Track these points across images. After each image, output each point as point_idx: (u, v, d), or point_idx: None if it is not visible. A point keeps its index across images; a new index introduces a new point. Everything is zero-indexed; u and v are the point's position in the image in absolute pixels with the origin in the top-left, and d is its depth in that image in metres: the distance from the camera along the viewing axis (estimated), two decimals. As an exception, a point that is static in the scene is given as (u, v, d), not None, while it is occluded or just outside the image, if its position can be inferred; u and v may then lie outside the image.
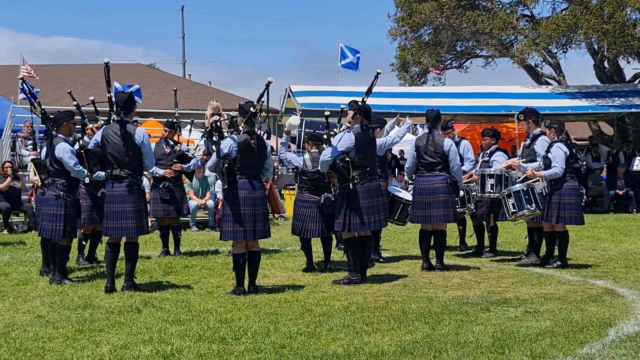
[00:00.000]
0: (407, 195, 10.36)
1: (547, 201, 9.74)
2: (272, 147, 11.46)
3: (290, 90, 21.78)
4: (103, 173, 8.51)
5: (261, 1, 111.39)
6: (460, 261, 10.61)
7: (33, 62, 23.77)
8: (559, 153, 9.63)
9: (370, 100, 8.80)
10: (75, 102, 8.83)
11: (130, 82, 23.12)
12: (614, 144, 24.00)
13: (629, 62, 25.83)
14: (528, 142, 10.27)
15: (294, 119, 10.23)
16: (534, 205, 9.63)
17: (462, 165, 10.36)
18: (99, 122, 9.39)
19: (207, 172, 14.52)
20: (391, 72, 28.68)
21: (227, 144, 8.04)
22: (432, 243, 9.88)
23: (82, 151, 8.31)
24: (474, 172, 10.64)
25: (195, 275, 9.34)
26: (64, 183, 8.70)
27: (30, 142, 18.49)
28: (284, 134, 10.12)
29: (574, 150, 9.89)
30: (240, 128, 8.12)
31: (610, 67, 26.02)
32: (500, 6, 25.39)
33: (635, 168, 19.63)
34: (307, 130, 16.87)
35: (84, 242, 10.44)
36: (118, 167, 8.13)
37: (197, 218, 15.39)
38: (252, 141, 8.03)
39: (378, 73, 8.89)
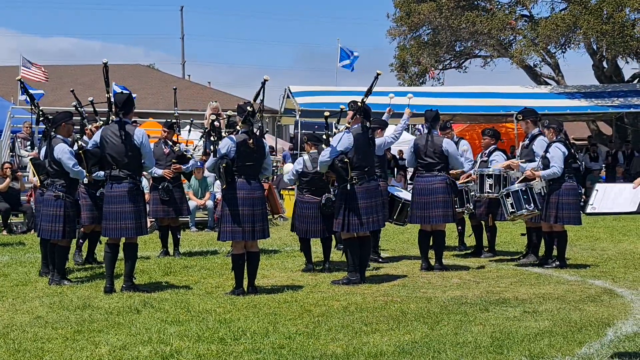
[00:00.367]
0: (406, 195, 10.37)
1: (545, 201, 9.73)
2: (271, 147, 11.50)
3: (290, 90, 21.77)
4: (103, 172, 8.50)
5: (261, 1, 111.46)
6: (459, 261, 10.61)
7: (33, 62, 23.65)
8: (557, 153, 9.63)
9: (369, 100, 8.80)
10: (74, 103, 8.83)
11: (130, 83, 23.16)
12: (613, 144, 24.03)
13: (627, 62, 25.91)
14: (526, 142, 10.27)
15: (288, 167, 10.62)
16: (532, 205, 9.63)
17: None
18: (97, 123, 9.39)
19: (207, 173, 14.51)
20: (390, 72, 28.76)
21: (225, 144, 8.03)
22: (431, 243, 9.89)
23: (80, 152, 8.29)
24: (473, 172, 10.65)
25: (195, 276, 9.34)
26: (63, 184, 8.69)
27: (29, 142, 18.54)
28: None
29: (572, 150, 9.89)
30: (238, 128, 8.11)
31: (609, 67, 26.04)
32: (499, 6, 25.41)
33: None
34: (303, 131, 16.87)
35: (81, 241, 10.43)
36: (117, 168, 8.11)
37: (196, 218, 15.38)
38: (251, 141, 8.02)
39: (378, 74, 8.89)
